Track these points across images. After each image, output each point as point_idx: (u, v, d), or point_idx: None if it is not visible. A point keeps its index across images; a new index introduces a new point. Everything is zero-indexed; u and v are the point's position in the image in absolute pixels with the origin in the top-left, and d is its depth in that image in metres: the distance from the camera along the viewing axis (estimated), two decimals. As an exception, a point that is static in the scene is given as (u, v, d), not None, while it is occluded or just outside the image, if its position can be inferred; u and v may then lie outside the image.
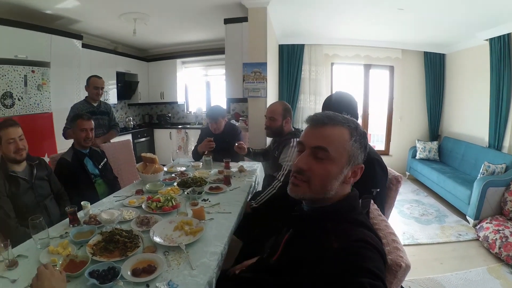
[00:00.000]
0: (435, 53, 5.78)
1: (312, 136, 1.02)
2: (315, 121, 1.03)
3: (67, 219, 1.85)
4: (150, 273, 1.30)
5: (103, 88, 3.71)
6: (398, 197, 1.98)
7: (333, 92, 2.13)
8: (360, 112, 2.09)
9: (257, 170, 3.14)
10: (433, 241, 3.51)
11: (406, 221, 4.06)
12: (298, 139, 2.37)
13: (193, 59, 6.93)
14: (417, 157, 5.73)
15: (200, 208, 1.93)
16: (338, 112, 1.06)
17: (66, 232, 1.73)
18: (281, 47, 5.82)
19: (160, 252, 1.51)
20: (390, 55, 5.82)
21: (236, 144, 3.12)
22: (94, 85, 3.58)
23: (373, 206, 1.36)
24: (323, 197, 1.00)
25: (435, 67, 5.82)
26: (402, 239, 3.44)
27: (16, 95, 3.65)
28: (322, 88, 5.99)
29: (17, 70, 3.65)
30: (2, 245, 1.38)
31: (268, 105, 3.06)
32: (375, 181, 1.67)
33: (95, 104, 3.68)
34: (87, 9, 4.17)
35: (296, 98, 5.94)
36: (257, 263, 1.39)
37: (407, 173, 5.99)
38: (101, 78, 3.67)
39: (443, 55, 5.82)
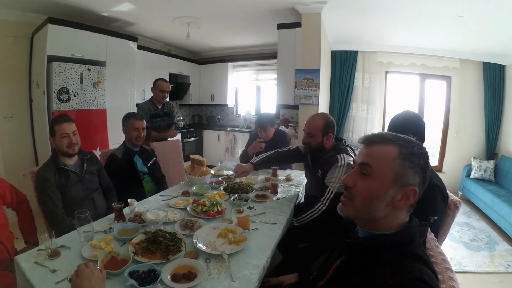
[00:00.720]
0: (495, 63, 5.24)
1: (361, 154, 1.00)
2: (365, 139, 1.01)
3: (113, 214, 1.87)
4: (190, 279, 1.26)
5: (168, 92, 3.88)
6: (449, 219, 1.81)
7: (401, 110, 1.89)
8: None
9: (305, 180, 2.96)
10: (480, 270, 3.22)
11: (455, 245, 3.76)
12: (345, 155, 2.18)
13: (245, 63, 6.95)
14: (472, 176, 5.21)
15: (245, 216, 1.87)
16: (403, 133, 1.01)
17: (111, 228, 1.74)
18: (334, 53, 5.66)
19: (201, 258, 1.46)
20: (448, 65, 5.41)
21: (235, 177, 2.82)
22: (160, 88, 3.75)
23: (430, 235, 1.27)
24: (369, 218, 0.95)
25: (494, 79, 5.25)
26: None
27: (72, 91, 3.83)
28: (375, 97, 5.72)
29: (73, 68, 3.83)
30: (46, 234, 1.39)
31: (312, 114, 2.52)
32: (434, 209, 1.56)
33: (160, 107, 3.85)
34: (142, 12, 4.30)
35: (348, 107, 5.74)
36: (301, 284, 1.35)
37: (460, 193, 5.45)
38: (167, 82, 3.85)
39: (503, 66, 5.23)
